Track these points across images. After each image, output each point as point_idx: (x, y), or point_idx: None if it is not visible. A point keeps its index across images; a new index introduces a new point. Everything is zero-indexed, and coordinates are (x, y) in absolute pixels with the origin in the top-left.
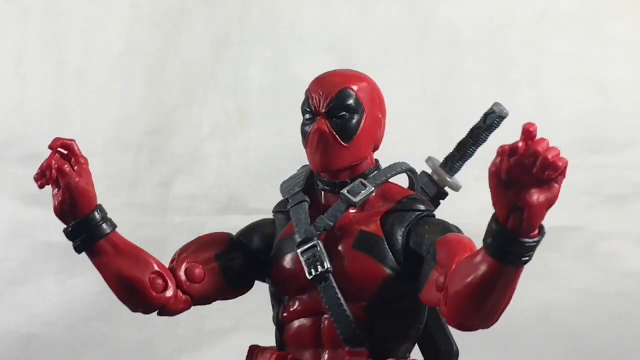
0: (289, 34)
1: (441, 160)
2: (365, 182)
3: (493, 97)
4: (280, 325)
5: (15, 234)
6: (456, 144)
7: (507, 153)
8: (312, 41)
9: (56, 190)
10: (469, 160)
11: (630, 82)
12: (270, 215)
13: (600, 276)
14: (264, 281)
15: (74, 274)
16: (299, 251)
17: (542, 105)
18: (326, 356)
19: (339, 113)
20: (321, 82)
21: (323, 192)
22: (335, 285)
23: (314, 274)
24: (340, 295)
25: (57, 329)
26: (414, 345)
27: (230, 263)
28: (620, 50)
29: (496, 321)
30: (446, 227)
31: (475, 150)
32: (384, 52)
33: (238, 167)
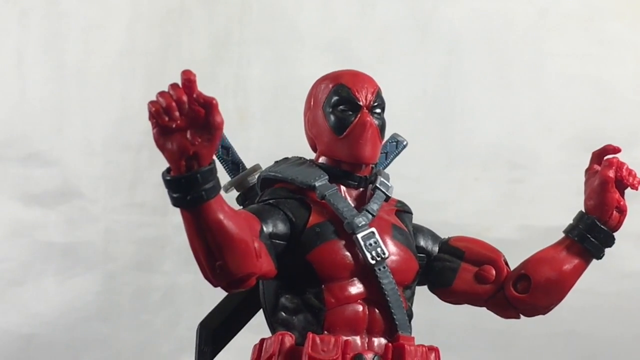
0: (289, 34)
1: None
2: (384, 180)
3: (493, 97)
4: (321, 310)
5: (15, 234)
6: None
7: (616, 165)
8: (312, 41)
9: (190, 131)
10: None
11: (630, 82)
12: None
13: (600, 276)
14: (279, 270)
15: (74, 274)
16: (359, 236)
17: (542, 105)
18: (378, 341)
19: (377, 110)
20: (359, 78)
21: (343, 186)
22: (390, 271)
23: (377, 259)
24: (394, 282)
25: (57, 329)
26: None
27: (268, 243)
28: (620, 50)
29: None
30: (432, 231)
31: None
32: (384, 52)
33: None
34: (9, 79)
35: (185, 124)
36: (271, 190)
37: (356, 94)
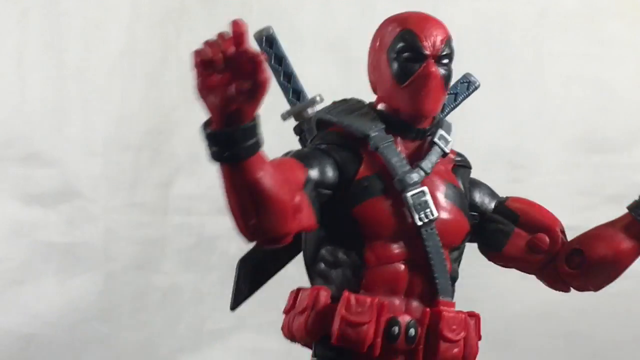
0: (289, 34)
1: None
2: (444, 133)
3: (493, 97)
4: (361, 267)
5: (15, 234)
6: None
7: None
8: (312, 41)
9: (235, 86)
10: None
11: (630, 82)
12: None
13: None
14: (323, 219)
15: (74, 274)
16: (408, 195)
17: (542, 105)
18: (417, 304)
19: (444, 60)
20: (429, 24)
21: (400, 138)
22: (437, 233)
23: (424, 220)
24: (441, 244)
25: (57, 329)
26: None
27: (313, 194)
28: (620, 50)
29: None
30: (491, 188)
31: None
32: None
33: None
34: (9, 79)
35: (230, 78)
36: (324, 133)
37: (423, 41)
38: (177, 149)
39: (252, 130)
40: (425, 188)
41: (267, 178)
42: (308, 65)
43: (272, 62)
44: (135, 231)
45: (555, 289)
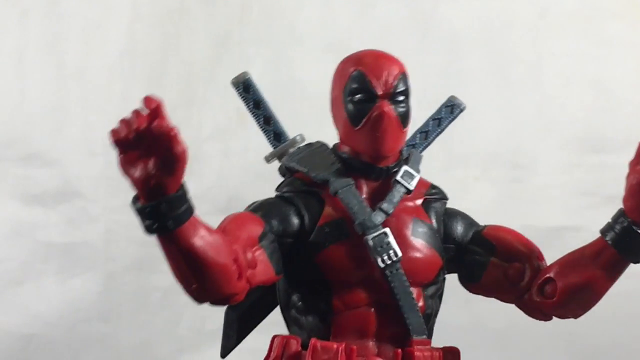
0: (289, 34)
1: None
2: (409, 169)
3: (493, 97)
4: (329, 313)
5: (15, 234)
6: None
7: None
8: (312, 41)
9: (153, 160)
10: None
11: (630, 82)
12: None
13: None
14: (288, 267)
15: (74, 274)
16: (369, 238)
17: (542, 105)
18: (389, 346)
19: (398, 97)
20: (379, 63)
21: (363, 178)
22: (403, 273)
23: (387, 262)
24: (408, 284)
25: (57, 329)
26: None
27: (272, 246)
28: (620, 50)
29: None
30: (470, 217)
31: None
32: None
33: (238, 167)
34: (9, 79)
35: (148, 153)
36: (290, 180)
37: (374, 81)
38: None
39: (178, 201)
40: (387, 229)
41: (202, 243)
42: (308, 66)
43: (251, 106)
44: (135, 231)
45: (536, 318)
